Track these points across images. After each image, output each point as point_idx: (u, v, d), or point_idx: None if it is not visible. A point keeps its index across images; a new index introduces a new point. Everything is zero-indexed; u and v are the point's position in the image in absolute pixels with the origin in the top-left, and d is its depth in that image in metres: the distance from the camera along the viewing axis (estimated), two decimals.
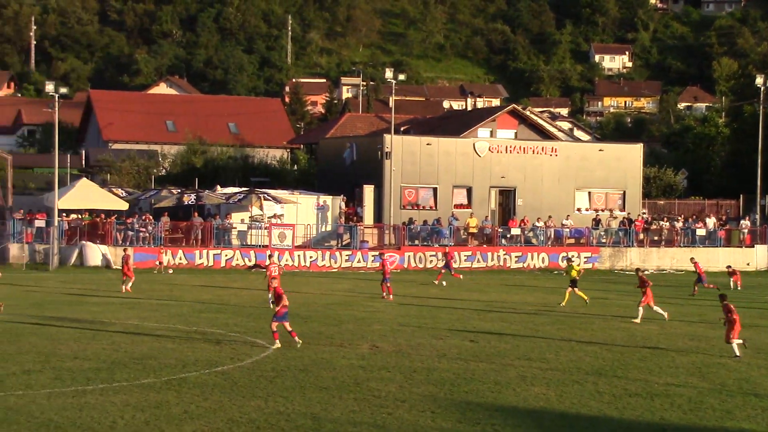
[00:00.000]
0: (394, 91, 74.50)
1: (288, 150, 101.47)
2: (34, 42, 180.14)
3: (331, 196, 68.64)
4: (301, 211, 66.56)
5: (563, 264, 53.63)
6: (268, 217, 64.97)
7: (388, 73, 72.51)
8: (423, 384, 25.96)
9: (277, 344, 30.75)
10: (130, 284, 46.68)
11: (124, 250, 50.47)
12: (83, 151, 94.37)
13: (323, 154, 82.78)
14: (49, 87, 66.63)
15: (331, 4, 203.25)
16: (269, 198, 65.39)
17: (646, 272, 41.70)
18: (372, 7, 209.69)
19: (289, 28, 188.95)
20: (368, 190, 68.82)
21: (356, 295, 47.59)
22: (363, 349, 31.31)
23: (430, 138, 72.21)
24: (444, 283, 53.26)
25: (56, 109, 65.79)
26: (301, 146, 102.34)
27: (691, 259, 55.41)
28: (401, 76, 76.12)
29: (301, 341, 31.19)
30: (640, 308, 39.10)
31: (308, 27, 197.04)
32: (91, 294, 46.11)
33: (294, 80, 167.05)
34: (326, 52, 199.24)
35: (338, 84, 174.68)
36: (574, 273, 44.35)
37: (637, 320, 38.70)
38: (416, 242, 66.46)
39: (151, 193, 70.58)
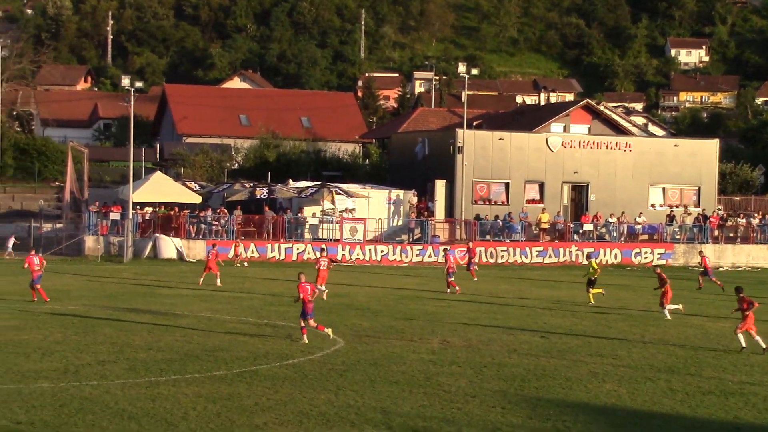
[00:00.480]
0: (466, 86, 74.30)
1: (360, 144, 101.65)
2: (111, 37, 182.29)
3: (402, 191, 68.65)
4: (373, 206, 66.66)
5: (586, 261, 51.18)
6: (340, 211, 65.16)
7: (461, 68, 72.56)
8: (493, 379, 25.87)
9: (305, 340, 30.64)
10: (218, 280, 46.85)
11: (213, 245, 50.92)
12: (158, 145, 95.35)
13: (395, 149, 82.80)
14: (125, 81, 67.72)
15: None
16: (341, 192, 65.57)
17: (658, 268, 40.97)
18: (446, 1, 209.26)
19: (363, 23, 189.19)
20: (440, 185, 68.72)
21: (427, 290, 47.55)
22: (433, 343, 31.27)
23: (502, 133, 71.93)
24: (475, 278, 52.59)
25: (131, 103, 66.54)
26: (373, 140, 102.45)
27: (700, 252, 56.15)
28: (474, 71, 76.23)
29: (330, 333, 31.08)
30: (666, 309, 38.45)
31: (381, 21, 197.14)
32: (165, 286, 46.58)
33: (367, 74, 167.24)
34: (399, 46, 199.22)
35: (411, 78, 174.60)
36: (591, 272, 43.15)
37: (669, 317, 38.03)
38: (487, 237, 66.25)
39: (224, 186, 71.11)
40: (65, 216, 70.08)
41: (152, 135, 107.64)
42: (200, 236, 62.41)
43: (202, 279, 46.85)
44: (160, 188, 65.35)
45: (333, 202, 65.45)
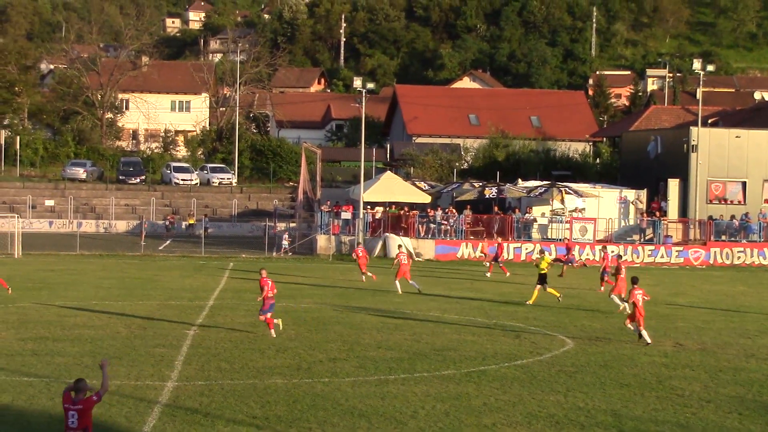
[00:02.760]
0: (701, 82, 72.20)
1: (590, 143, 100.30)
2: (344, 39, 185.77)
3: (634, 190, 67.37)
4: (603, 205, 65.64)
5: (535, 257, 48.07)
6: (570, 211, 64.44)
7: (696, 64, 70.43)
8: (729, 384, 25.00)
9: (273, 334, 30.77)
10: (363, 277, 47.18)
11: (358, 244, 51.72)
12: (388, 145, 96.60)
13: (627, 148, 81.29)
14: (357, 82, 68.49)
15: None
16: (571, 191, 64.85)
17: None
18: None
19: (594, 20, 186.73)
20: (673, 184, 67.09)
21: (659, 291, 46.40)
22: (666, 346, 30.48)
23: (739, 130, 69.63)
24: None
25: (363, 104, 67.58)
26: (604, 139, 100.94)
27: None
28: (710, 67, 73.83)
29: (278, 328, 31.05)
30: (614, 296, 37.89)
31: (613, 18, 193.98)
32: (394, 285, 47.04)
33: (598, 72, 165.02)
34: (631, 43, 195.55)
35: (643, 76, 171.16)
36: (544, 265, 40.47)
37: (621, 307, 36.90)
38: (722, 237, 64.23)
39: (453, 186, 71.40)
40: (298, 215, 71.88)
41: (383, 135, 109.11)
42: (429, 235, 62.82)
43: (364, 277, 47.14)
44: (390, 188, 66.12)
45: (562, 201, 64.79)
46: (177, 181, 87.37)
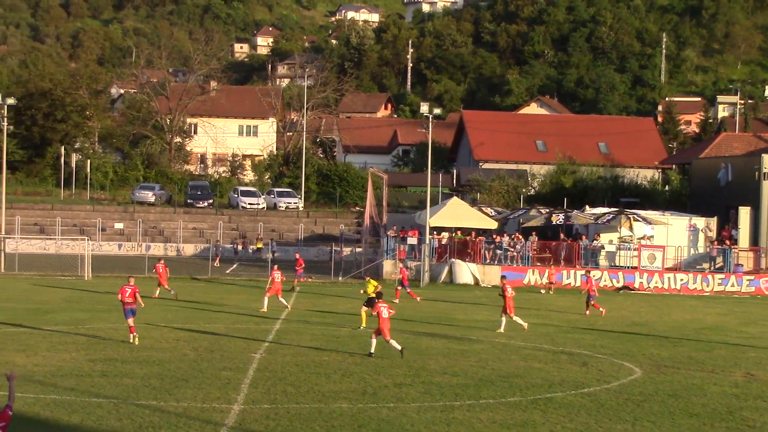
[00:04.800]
0: None
1: (659, 170, 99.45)
2: (411, 64, 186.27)
3: (703, 218, 66.65)
4: (672, 233, 64.98)
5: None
6: (638, 238, 63.88)
7: None
8: None
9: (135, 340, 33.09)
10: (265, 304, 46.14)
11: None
12: (454, 171, 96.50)
13: (696, 175, 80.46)
14: (424, 108, 68.79)
15: (708, 20, 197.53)
16: (639, 219, 64.32)
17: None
18: (753, 23, 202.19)
19: (664, 46, 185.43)
20: (744, 212, 66.24)
21: (730, 320, 45.80)
22: (736, 376, 30.02)
23: None
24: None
25: (430, 129, 67.62)
26: (674, 166, 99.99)
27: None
28: None
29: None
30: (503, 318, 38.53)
31: (683, 44, 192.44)
32: (460, 311, 46.89)
33: (667, 99, 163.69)
34: (702, 69, 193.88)
35: (714, 102, 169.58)
36: (371, 289, 40.01)
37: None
38: None
39: (519, 212, 71.10)
40: (364, 240, 71.92)
41: (449, 161, 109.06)
42: (495, 261, 62.58)
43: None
44: (456, 213, 66.01)
45: (631, 228, 64.27)
46: (244, 205, 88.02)
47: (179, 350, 32.14)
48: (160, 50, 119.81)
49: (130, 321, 33.52)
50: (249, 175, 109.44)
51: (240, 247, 77.61)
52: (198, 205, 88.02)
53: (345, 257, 68.93)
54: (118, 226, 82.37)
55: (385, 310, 31.81)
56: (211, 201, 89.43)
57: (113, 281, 57.78)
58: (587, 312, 45.89)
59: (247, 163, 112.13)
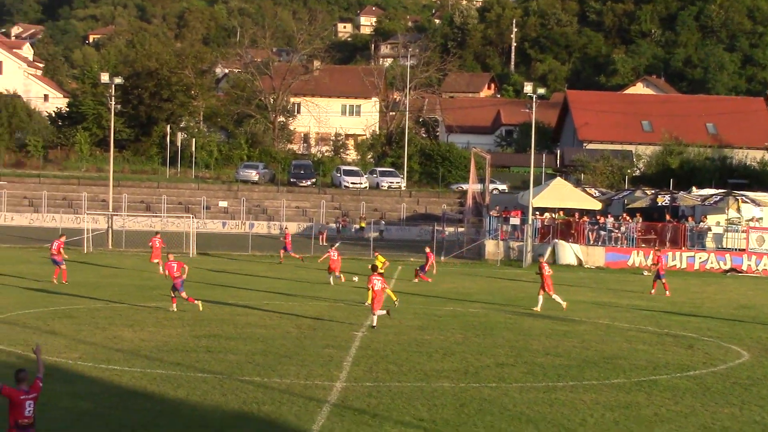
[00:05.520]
0: None
1: None
2: (515, 44, 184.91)
3: None
4: None
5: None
6: (746, 220, 62.69)
7: None
8: None
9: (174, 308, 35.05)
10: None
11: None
12: (558, 151, 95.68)
13: None
14: (527, 88, 67.97)
15: None
16: (747, 200, 63.13)
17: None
18: None
19: None
20: None
21: None
22: None
23: None
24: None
25: (533, 109, 67.07)
26: None
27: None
28: None
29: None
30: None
31: None
32: (562, 292, 46.49)
33: None
34: None
35: None
36: (379, 265, 39.28)
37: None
38: None
39: (624, 193, 70.27)
40: (467, 220, 71.76)
41: (553, 141, 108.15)
42: (599, 243, 61.96)
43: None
44: (559, 194, 65.46)
45: (739, 210, 63.08)
46: (347, 184, 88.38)
47: (282, 327, 32.39)
48: (264, 30, 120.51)
49: (183, 294, 35.22)
50: (351, 155, 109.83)
51: (342, 226, 78.00)
52: (301, 184, 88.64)
53: (447, 237, 68.80)
54: (223, 204, 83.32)
55: (378, 283, 33.16)
56: (314, 180, 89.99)
57: (217, 259, 58.53)
58: (652, 291, 45.57)
59: (350, 142, 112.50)
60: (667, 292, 45.11)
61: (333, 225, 78.25)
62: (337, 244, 50.44)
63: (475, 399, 22.88)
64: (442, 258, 61.97)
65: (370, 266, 36.32)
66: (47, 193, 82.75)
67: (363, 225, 77.50)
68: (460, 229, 72.19)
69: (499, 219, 64.02)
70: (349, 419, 20.85)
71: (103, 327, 31.42)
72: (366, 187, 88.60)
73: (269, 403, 22.00)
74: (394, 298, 37.64)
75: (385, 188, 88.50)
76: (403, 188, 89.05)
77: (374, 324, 32.61)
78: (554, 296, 38.70)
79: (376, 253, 46.72)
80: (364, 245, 65.84)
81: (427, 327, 33.41)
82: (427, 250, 50.04)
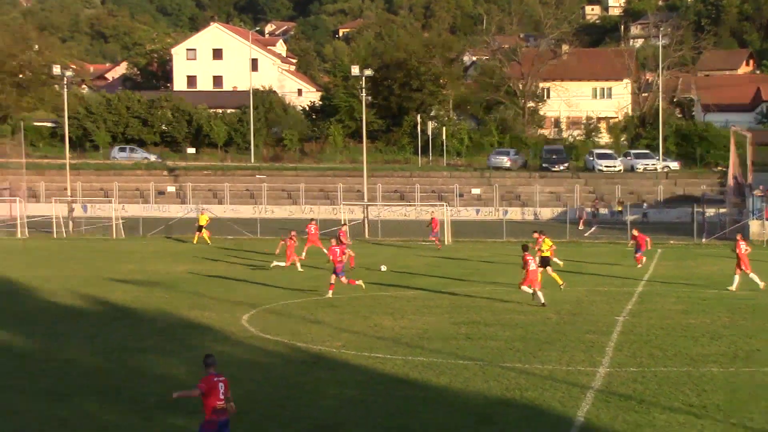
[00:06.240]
0: None
1: None
2: None
3: None
4: None
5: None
6: None
7: None
8: None
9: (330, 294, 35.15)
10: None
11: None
12: None
13: None
14: None
15: None
16: None
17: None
18: None
19: None
20: None
21: None
22: None
23: None
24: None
25: None
26: None
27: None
28: None
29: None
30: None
31: None
32: None
33: None
34: None
35: None
36: (545, 247, 38.47)
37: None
38: None
39: None
40: (728, 201, 69.32)
41: None
42: None
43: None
44: None
45: None
46: (600, 167, 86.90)
47: (542, 313, 31.94)
48: (511, 16, 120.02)
49: (343, 279, 35.43)
50: (604, 138, 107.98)
51: (598, 210, 76.59)
52: (554, 169, 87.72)
53: (708, 218, 66.55)
54: (476, 191, 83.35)
55: (533, 264, 33.32)
56: (566, 164, 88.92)
57: (472, 246, 58.47)
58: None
59: (602, 125, 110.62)
60: (640, 266, 44.88)
61: (589, 209, 76.63)
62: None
63: (747, 385, 21.98)
64: (704, 240, 60.05)
65: (521, 246, 35.29)
66: (304, 186, 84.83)
67: (620, 209, 75.87)
68: (722, 210, 69.76)
69: (764, 199, 61.48)
70: (614, 405, 20.31)
71: (364, 315, 31.77)
72: (621, 170, 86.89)
73: (532, 389, 21.66)
74: (560, 282, 37.45)
75: (641, 170, 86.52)
76: (659, 170, 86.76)
77: (543, 301, 33.02)
78: (751, 275, 37.20)
79: (541, 237, 40.53)
80: (620, 228, 64.47)
81: (691, 311, 32.32)
82: (635, 232, 48.01)
